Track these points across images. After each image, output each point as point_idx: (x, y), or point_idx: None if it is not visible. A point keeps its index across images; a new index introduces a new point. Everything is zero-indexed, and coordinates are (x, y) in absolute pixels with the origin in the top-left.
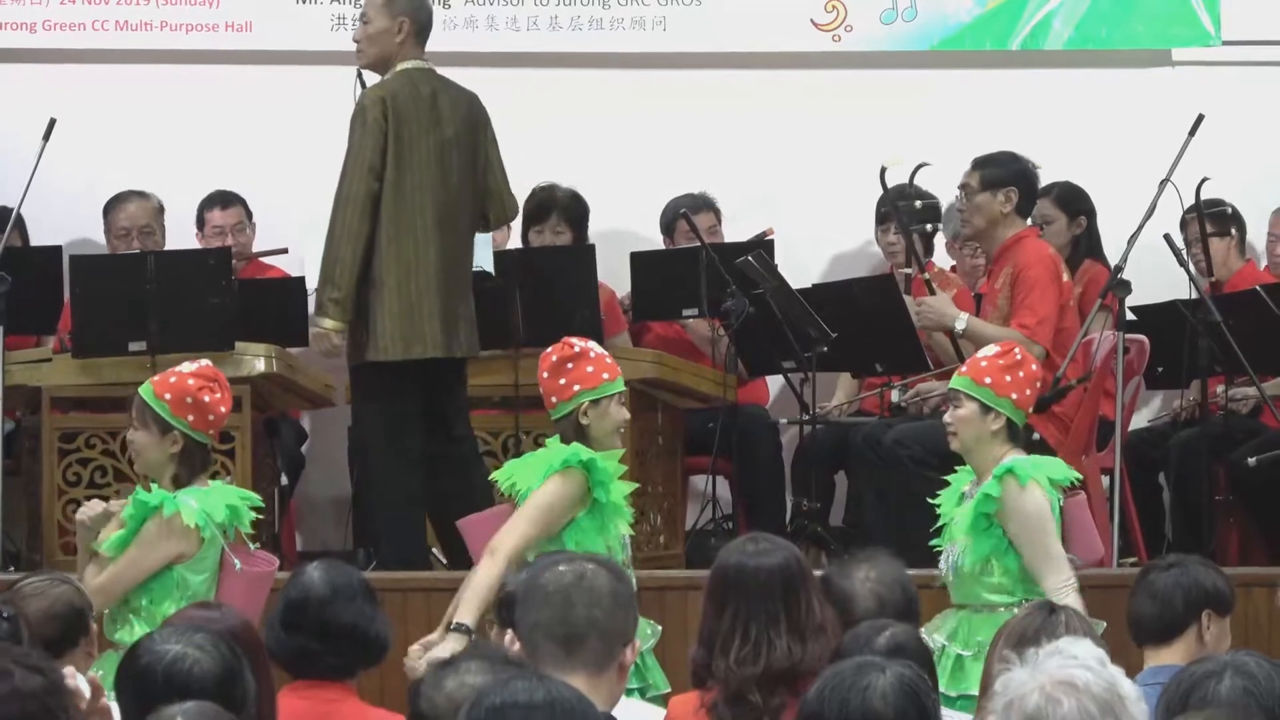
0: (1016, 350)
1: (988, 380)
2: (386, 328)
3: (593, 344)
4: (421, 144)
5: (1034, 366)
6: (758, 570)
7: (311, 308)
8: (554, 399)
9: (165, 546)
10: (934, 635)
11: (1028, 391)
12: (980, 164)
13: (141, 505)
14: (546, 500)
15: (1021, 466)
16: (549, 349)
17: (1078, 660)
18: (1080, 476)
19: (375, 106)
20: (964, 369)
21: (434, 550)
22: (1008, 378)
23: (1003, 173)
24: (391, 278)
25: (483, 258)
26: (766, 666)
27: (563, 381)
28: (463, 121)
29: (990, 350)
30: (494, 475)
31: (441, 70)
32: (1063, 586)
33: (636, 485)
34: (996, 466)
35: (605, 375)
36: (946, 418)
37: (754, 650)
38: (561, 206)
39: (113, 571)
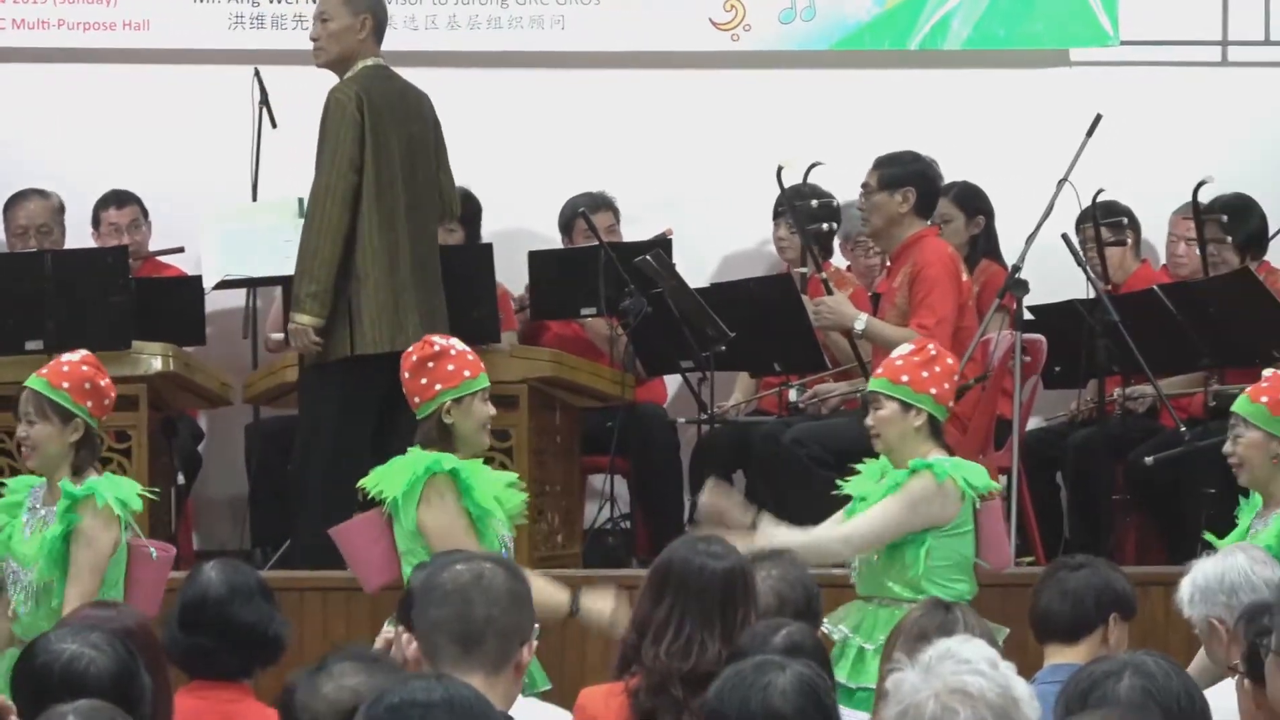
0: (930, 346)
1: (905, 378)
2: (372, 320)
3: (454, 341)
4: (394, 139)
5: (949, 360)
6: (702, 570)
7: (209, 306)
8: (417, 399)
9: (106, 537)
10: (839, 626)
11: (946, 385)
12: (881, 164)
13: (71, 497)
14: (443, 526)
15: (941, 465)
16: (409, 349)
17: (970, 665)
18: (999, 486)
19: (351, 100)
20: (880, 370)
21: None
22: (924, 373)
23: (901, 172)
24: (376, 271)
25: None
26: (695, 665)
27: (424, 381)
28: (425, 119)
29: (904, 349)
30: (362, 482)
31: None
32: (840, 543)
33: (515, 476)
34: (915, 461)
35: (467, 373)
36: (868, 420)
37: (685, 646)
38: None
39: (81, 590)
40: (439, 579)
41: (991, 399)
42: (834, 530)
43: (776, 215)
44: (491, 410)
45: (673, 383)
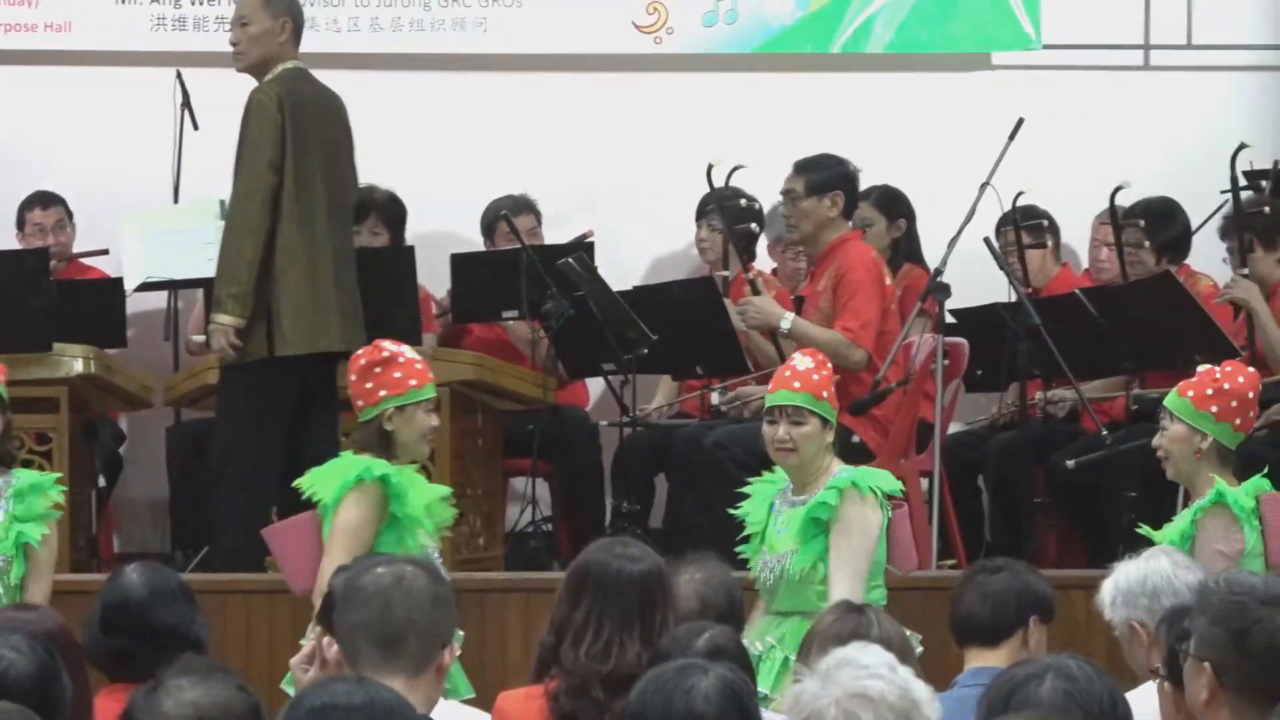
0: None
1: (825, 394)
2: (292, 321)
3: (404, 348)
4: (314, 141)
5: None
6: (620, 572)
7: (130, 308)
8: (360, 402)
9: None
10: (765, 637)
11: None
12: (804, 168)
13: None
14: (350, 525)
15: (862, 478)
16: (359, 351)
17: (869, 669)
18: (903, 487)
19: (271, 102)
20: (795, 382)
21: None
22: (834, 389)
23: (828, 176)
24: (296, 271)
25: None
26: (615, 668)
27: (369, 386)
28: (342, 122)
29: (808, 361)
30: (298, 482)
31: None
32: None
33: (448, 490)
34: (835, 478)
35: (413, 381)
36: (781, 434)
37: (605, 648)
38: (379, 207)
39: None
40: (360, 582)
41: (913, 402)
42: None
43: (700, 216)
44: (435, 421)
45: (595, 386)
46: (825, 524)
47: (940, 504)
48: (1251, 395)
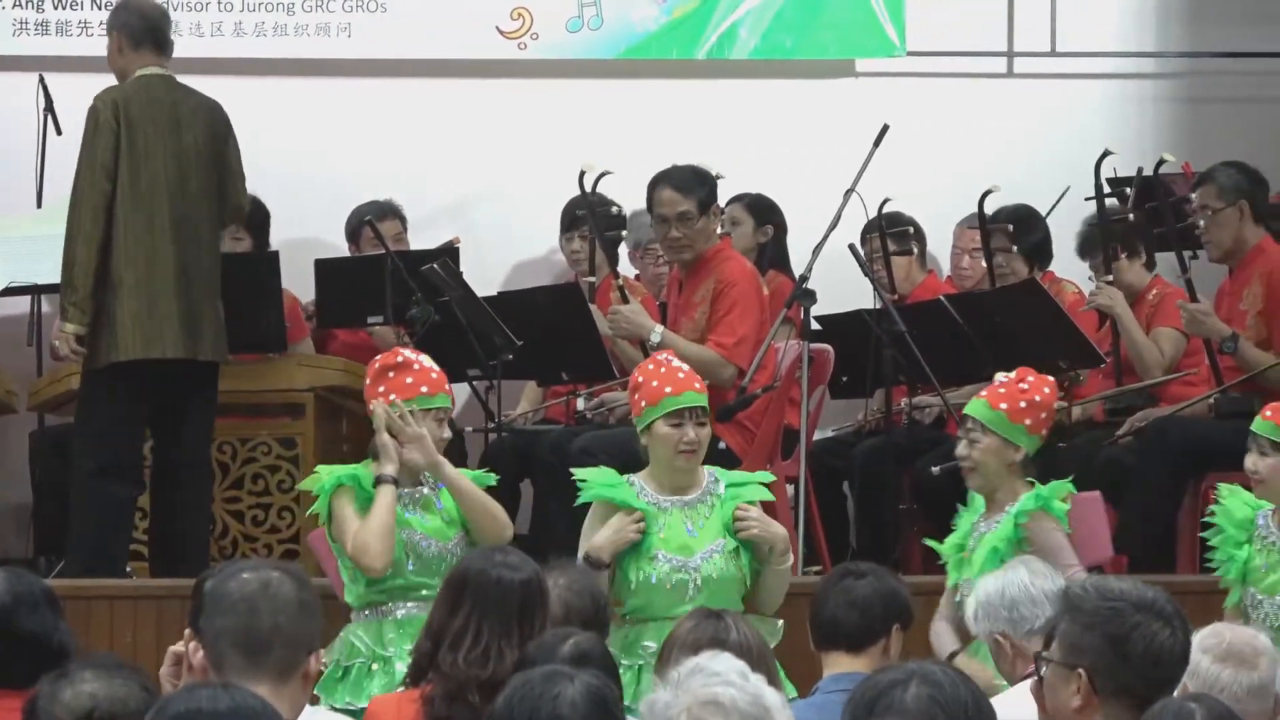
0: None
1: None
2: (127, 328)
3: (422, 357)
4: (159, 148)
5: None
6: (500, 580)
7: None
8: (371, 407)
9: None
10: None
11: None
12: (686, 187)
13: None
14: (340, 530)
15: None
16: (376, 356)
17: (720, 676)
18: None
19: (106, 109)
20: (695, 384)
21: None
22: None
23: (711, 190)
24: (130, 278)
25: None
26: (493, 674)
27: (381, 389)
28: (205, 129)
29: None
30: (302, 484)
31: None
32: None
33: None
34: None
35: (424, 388)
36: (691, 434)
37: (484, 654)
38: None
39: None
40: (226, 587)
41: (779, 408)
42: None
43: (568, 224)
44: (447, 433)
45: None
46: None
47: (806, 509)
48: (1054, 405)
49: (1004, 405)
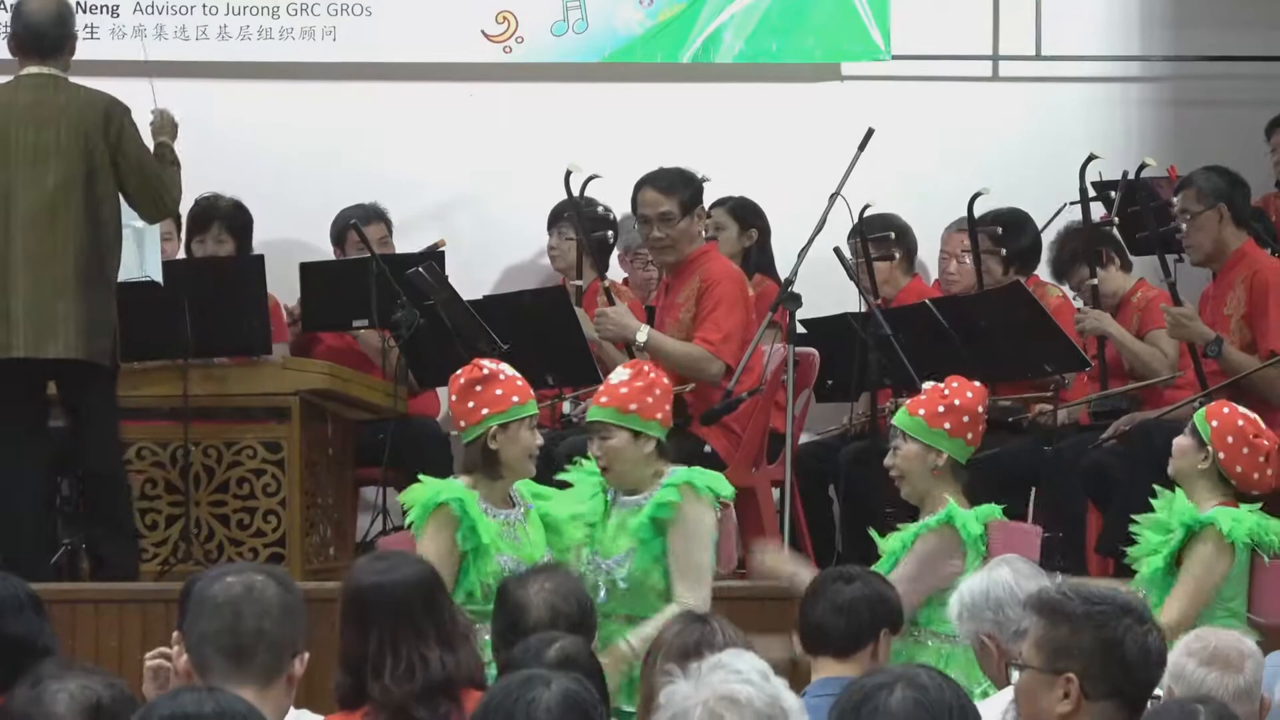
0: (648, 368)
1: (633, 406)
2: None
3: (504, 366)
4: (14, 144)
5: (665, 381)
6: (396, 586)
7: None
8: (461, 423)
9: None
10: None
11: (667, 408)
12: (669, 188)
13: None
14: (430, 554)
15: (697, 478)
16: (458, 371)
17: (740, 674)
18: (733, 493)
19: None
20: (604, 399)
21: None
22: (649, 399)
23: (694, 192)
24: None
25: (150, 268)
26: (425, 681)
27: (471, 405)
28: (73, 124)
29: (622, 375)
30: (400, 497)
31: (109, 80)
32: (698, 604)
33: (583, 509)
34: (672, 475)
35: (515, 399)
36: (594, 451)
37: (408, 668)
38: (223, 216)
39: None
40: (209, 591)
41: (765, 412)
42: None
43: (552, 224)
44: (539, 439)
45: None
46: (663, 525)
47: (792, 513)
48: (980, 410)
49: (922, 411)
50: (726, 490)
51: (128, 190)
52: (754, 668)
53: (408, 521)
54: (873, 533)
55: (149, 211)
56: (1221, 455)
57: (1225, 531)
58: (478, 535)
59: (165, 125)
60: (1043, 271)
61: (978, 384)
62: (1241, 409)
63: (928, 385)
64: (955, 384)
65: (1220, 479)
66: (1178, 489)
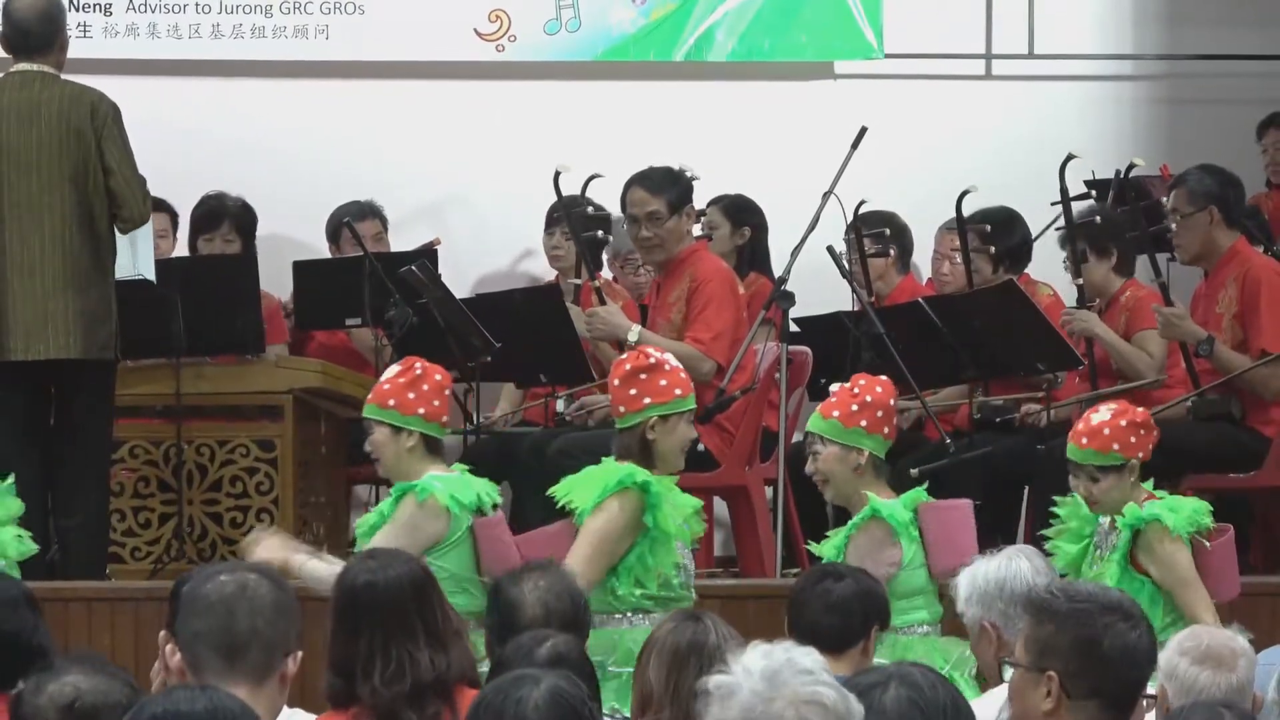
0: (417, 365)
1: (391, 402)
2: None
3: (669, 356)
4: (2, 142)
5: (438, 377)
6: (388, 585)
7: None
8: (621, 409)
9: None
10: None
11: (435, 403)
12: (658, 187)
13: None
14: (601, 529)
15: (425, 485)
16: (623, 357)
17: (813, 675)
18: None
19: None
20: (373, 398)
21: None
22: (411, 394)
23: (683, 191)
24: None
25: (144, 266)
26: (414, 682)
27: (633, 392)
28: (61, 120)
29: (391, 372)
30: (552, 490)
31: (102, 78)
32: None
33: (699, 504)
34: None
35: (678, 391)
36: (367, 446)
37: (398, 669)
38: (232, 215)
39: None
40: (202, 590)
41: (758, 410)
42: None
43: (550, 223)
44: (694, 433)
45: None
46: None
47: (785, 511)
48: (892, 403)
49: (836, 413)
50: (489, 496)
51: (112, 191)
52: (820, 665)
53: (569, 506)
54: (810, 545)
55: (128, 217)
56: (1140, 456)
57: (1171, 526)
58: (664, 523)
59: None
60: (1035, 262)
61: (884, 378)
62: (1104, 408)
63: (834, 388)
64: (863, 381)
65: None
66: (1073, 495)
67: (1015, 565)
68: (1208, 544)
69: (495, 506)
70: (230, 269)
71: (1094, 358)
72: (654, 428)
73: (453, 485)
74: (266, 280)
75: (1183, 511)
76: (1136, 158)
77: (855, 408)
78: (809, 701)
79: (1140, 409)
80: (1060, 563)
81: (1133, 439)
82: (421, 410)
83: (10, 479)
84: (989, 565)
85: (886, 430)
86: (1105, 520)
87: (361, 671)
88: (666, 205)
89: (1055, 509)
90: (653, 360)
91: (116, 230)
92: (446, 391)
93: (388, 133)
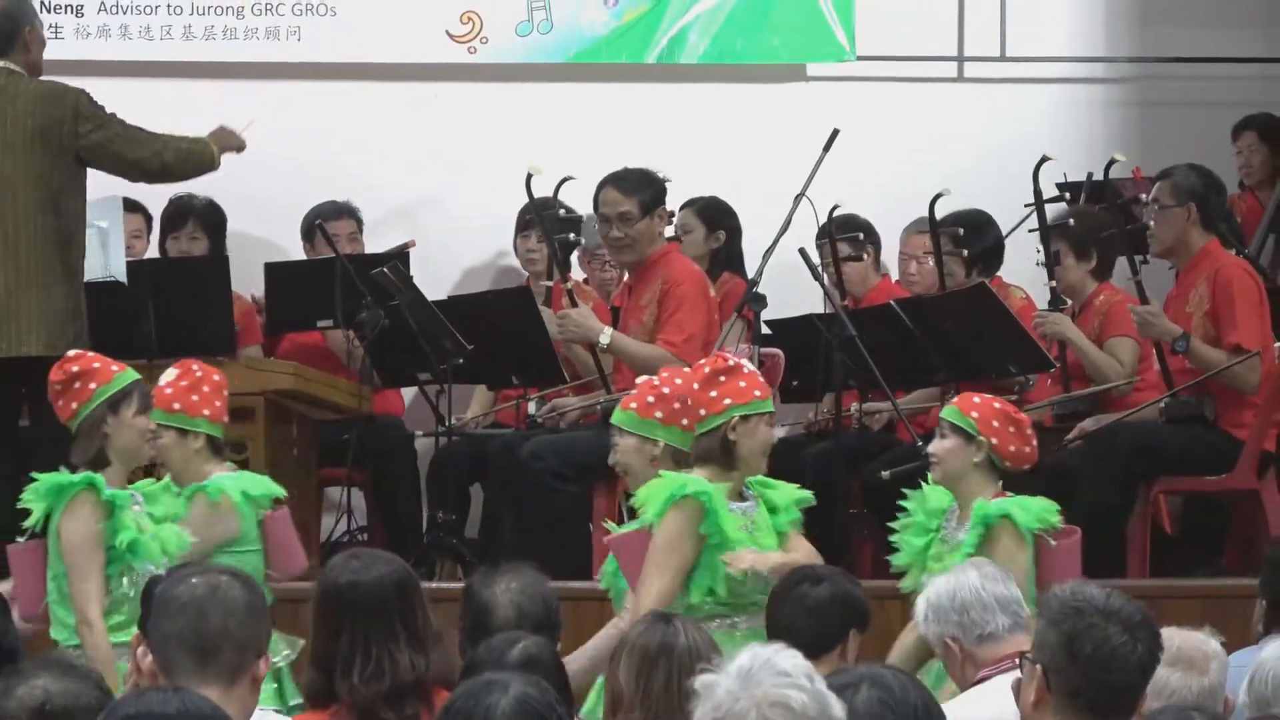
0: (195, 367)
1: (177, 405)
2: None
3: (745, 360)
4: None
5: (216, 378)
6: (371, 585)
7: None
8: (702, 411)
9: None
10: None
11: (218, 403)
12: (631, 188)
13: None
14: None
15: (215, 483)
16: (701, 360)
17: (790, 678)
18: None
19: None
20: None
21: None
22: (194, 396)
23: (656, 193)
24: None
25: (115, 268)
26: (393, 682)
27: (714, 394)
28: (27, 117)
29: (169, 375)
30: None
31: (73, 80)
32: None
33: (810, 498)
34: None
35: (758, 393)
36: (150, 450)
37: (377, 668)
38: (197, 213)
39: None
40: (174, 592)
41: None
42: None
43: (522, 225)
44: (775, 436)
45: (410, 394)
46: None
47: None
48: (697, 387)
49: (634, 405)
50: (265, 491)
51: (110, 170)
52: (800, 669)
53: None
54: (609, 523)
55: (149, 176)
56: (994, 441)
57: (1020, 522)
58: (723, 531)
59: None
60: (1008, 265)
61: (686, 370)
62: (986, 395)
63: (640, 380)
64: (665, 374)
65: (991, 468)
66: (925, 486)
67: (964, 576)
68: (1052, 542)
69: (279, 501)
70: (202, 270)
71: (1066, 360)
72: (735, 429)
73: (241, 483)
74: (239, 281)
75: (1032, 509)
76: (1117, 154)
77: (651, 399)
78: (775, 703)
79: (1025, 415)
80: (905, 556)
81: (995, 423)
82: (206, 412)
83: None
84: (940, 582)
85: (685, 422)
86: (954, 516)
87: (341, 670)
88: (639, 206)
89: (903, 501)
90: (731, 363)
91: (103, 225)
92: (225, 392)
93: (359, 134)
